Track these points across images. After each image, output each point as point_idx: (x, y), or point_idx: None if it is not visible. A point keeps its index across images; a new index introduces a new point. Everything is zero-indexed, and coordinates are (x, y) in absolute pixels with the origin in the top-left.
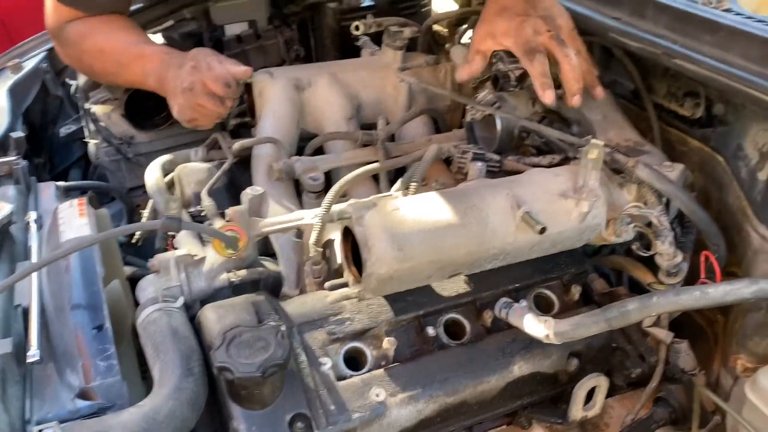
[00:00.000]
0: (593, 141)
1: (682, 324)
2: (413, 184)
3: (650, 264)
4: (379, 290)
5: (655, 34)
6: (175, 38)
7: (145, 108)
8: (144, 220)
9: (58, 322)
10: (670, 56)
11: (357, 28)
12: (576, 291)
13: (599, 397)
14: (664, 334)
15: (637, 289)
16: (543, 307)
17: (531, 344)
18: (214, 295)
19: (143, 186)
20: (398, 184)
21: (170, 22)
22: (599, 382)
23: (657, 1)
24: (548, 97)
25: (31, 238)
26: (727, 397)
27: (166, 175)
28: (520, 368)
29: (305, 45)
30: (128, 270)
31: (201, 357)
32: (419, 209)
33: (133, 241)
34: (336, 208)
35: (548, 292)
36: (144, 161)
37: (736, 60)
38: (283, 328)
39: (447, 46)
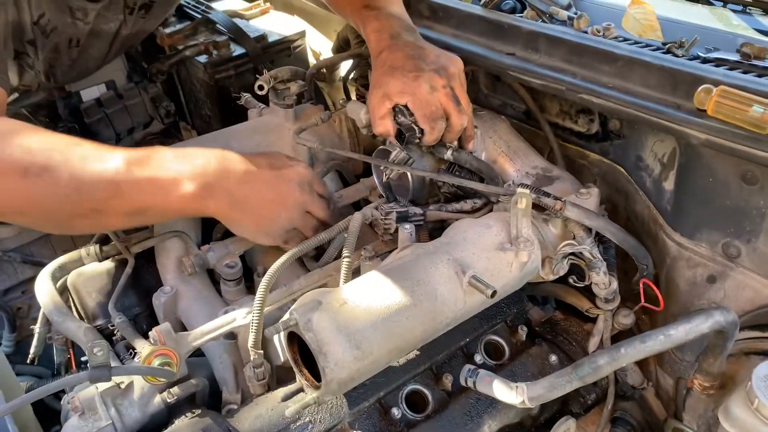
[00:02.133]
0: (520, 190)
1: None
2: (347, 259)
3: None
4: (339, 392)
5: (553, 68)
6: (23, 113)
7: None
8: (36, 332)
9: None
10: (576, 91)
11: (261, 87)
12: (522, 332)
13: None
14: None
15: (568, 307)
16: (494, 354)
17: (495, 400)
18: (149, 422)
19: (20, 285)
20: (327, 257)
21: (15, 95)
22: (569, 426)
23: (548, 35)
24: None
25: None
26: (672, 397)
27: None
28: (489, 427)
29: (175, 100)
30: (24, 384)
31: None
32: (367, 297)
33: (29, 361)
34: (272, 299)
35: (497, 338)
36: (15, 257)
37: (637, 89)
38: None
39: (341, 101)
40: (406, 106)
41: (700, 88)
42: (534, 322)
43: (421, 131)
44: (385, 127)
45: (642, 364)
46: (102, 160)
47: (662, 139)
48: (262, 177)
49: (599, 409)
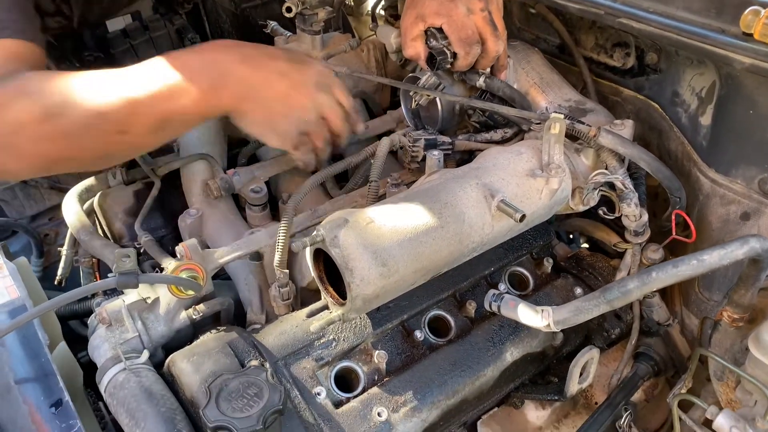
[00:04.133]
0: (554, 115)
1: None
2: (374, 183)
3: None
4: (364, 309)
5: None
6: (49, 40)
7: None
8: (63, 254)
9: (3, 403)
10: (615, 16)
11: (289, 9)
12: (548, 264)
13: (592, 368)
14: None
15: (594, 249)
16: (518, 284)
17: (517, 327)
18: (175, 337)
19: (47, 212)
20: (352, 183)
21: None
22: (592, 355)
23: None
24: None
25: None
26: (696, 336)
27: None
28: (511, 354)
29: (200, 32)
30: None
31: (185, 415)
32: (394, 217)
33: (56, 282)
34: (297, 223)
35: (521, 269)
36: (43, 183)
37: (679, 14)
38: (269, 367)
39: (371, 26)
40: (439, 30)
41: (747, 11)
42: (559, 257)
43: (453, 56)
44: (416, 49)
45: (667, 304)
46: (114, 82)
47: (701, 72)
48: (278, 67)
49: (622, 345)
